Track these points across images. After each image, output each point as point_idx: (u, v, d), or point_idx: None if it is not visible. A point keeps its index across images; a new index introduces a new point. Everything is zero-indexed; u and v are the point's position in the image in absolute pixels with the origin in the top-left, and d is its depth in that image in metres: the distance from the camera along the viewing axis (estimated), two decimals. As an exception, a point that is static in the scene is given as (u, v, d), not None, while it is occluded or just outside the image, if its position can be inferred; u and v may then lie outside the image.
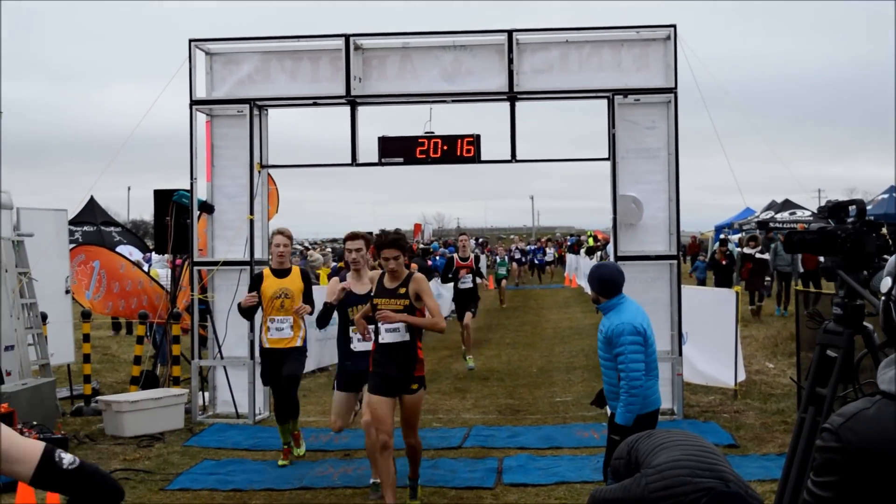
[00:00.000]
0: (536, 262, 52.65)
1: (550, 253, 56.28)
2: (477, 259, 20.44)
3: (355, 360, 9.46)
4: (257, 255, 13.24)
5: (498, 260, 36.56)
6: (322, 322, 9.98)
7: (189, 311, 13.99)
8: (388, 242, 8.49)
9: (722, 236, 30.77)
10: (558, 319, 28.24)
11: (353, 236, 9.82)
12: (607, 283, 7.48)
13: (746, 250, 25.73)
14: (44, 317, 13.55)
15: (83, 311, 15.04)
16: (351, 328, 9.52)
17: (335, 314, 9.77)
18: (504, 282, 35.60)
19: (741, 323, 20.83)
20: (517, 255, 49.08)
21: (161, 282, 16.61)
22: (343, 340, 9.70)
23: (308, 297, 10.75)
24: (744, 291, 25.41)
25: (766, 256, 25.30)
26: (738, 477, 4.33)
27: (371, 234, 11.84)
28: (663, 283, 12.62)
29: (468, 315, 18.68)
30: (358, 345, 9.48)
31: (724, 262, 25.93)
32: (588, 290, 8.33)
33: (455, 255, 19.63)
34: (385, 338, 8.41)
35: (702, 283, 29.24)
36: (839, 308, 4.79)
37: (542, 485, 9.54)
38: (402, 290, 8.43)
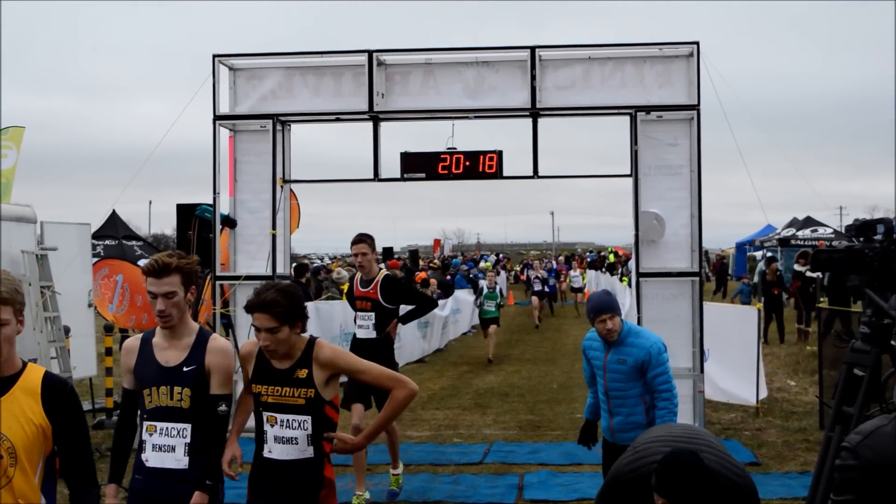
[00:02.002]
0: (548, 288, 36.80)
1: (577, 276, 41.21)
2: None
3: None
4: (279, 270, 13.27)
5: (486, 290, 23.82)
6: None
7: (211, 325, 14.03)
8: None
9: (769, 254, 29.71)
10: (578, 335, 28.07)
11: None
12: (614, 302, 7.38)
13: (797, 267, 24.69)
14: (66, 330, 13.59)
15: (105, 325, 15.10)
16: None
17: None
18: (493, 328, 23.35)
19: (790, 343, 20.72)
20: (536, 285, 33.66)
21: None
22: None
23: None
24: (793, 310, 24.98)
25: (818, 275, 23.77)
26: (720, 452, 4.19)
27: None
28: (685, 300, 12.57)
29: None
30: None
31: (773, 280, 24.09)
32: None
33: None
34: (273, 451, 5.29)
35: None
36: (867, 327, 4.77)
37: (563, 501, 9.54)
38: (302, 373, 5.22)
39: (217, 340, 5.30)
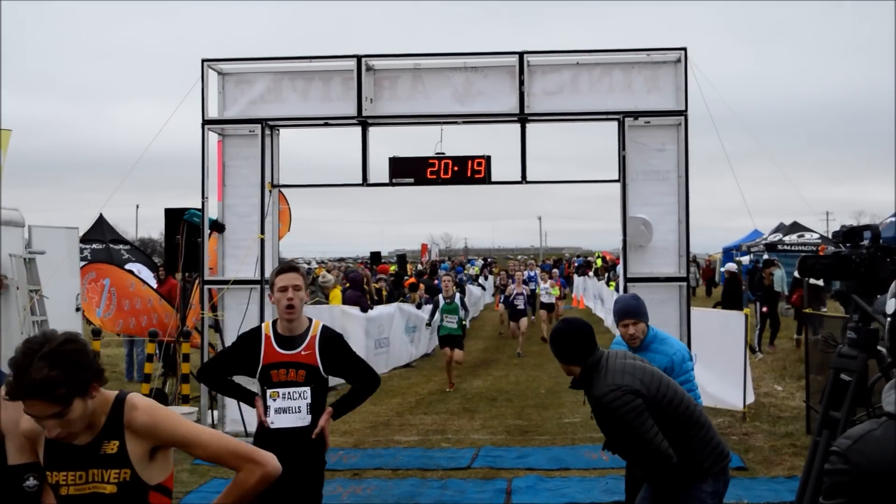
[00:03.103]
0: (511, 304, 25.94)
1: (547, 289, 28.55)
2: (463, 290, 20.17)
3: None
4: (268, 274, 13.26)
5: (444, 302, 18.71)
6: None
7: (199, 330, 14.02)
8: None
9: (767, 257, 29.11)
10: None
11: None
12: (642, 308, 7.21)
13: (797, 274, 24.29)
14: (54, 334, 13.57)
15: (93, 329, 15.09)
16: None
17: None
18: (458, 353, 18.62)
19: (792, 353, 20.65)
20: (518, 302, 25.40)
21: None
22: None
23: None
24: (793, 320, 24.71)
25: (821, 282, 23.37)
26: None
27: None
28: (672, 304, 12.62)
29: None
30: None
31: (769, 285, 23.68)
32: (609, 321, 7.99)
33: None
34: None
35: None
36: (853, 332, 4.81)
37: (551, 506, 9.55)
38: (111, 448, 3.77)
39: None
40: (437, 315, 18.68)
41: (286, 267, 6.53)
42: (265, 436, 6.31)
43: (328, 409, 6.51)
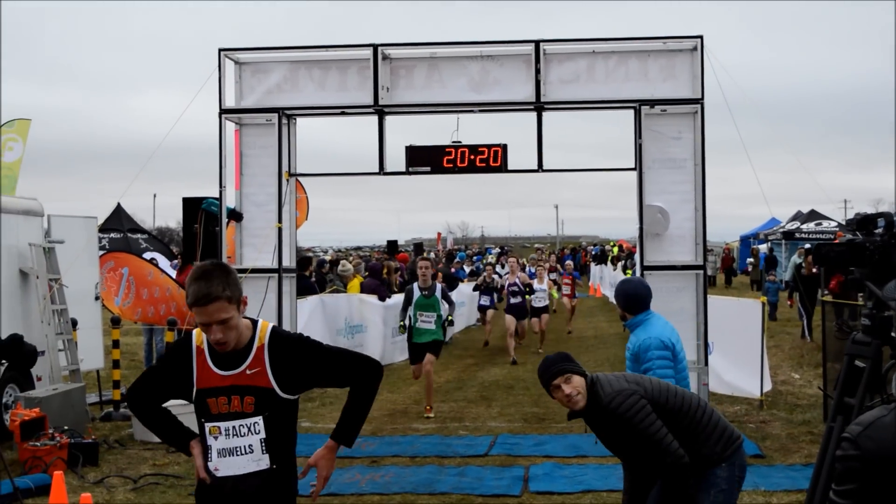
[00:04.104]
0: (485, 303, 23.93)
1: (541, 291, 22.83)
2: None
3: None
4: (285, 263, 13.35)
5: (419, 294, 14.54)
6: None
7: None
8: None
9: (807, 245, 28.26)
10: (583, 328, 28.22)
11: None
12: (633, 299, 7.31)
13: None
14: (74, 323, 13.69)
15: (112, 318, 15.19)
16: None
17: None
18: (429, 361, 14.29)
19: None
20: (513, 296, 21.63)
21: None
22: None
23: None
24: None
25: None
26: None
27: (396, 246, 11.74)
28: (689, 292, 12.63)
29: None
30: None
31: (814, 273, 21.73)
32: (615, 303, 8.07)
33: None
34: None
35: (774, 306, 27.12)
36: (867, 319, 4.83)
37: (568, 493, 9.58)
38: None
39: None
40: (411, 311, 14.50)
41: (201, 295, 4.38)
42: (206, 491, 4.68)
43: (327, 446, 4.72)
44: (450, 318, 15.56)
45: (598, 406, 5.66)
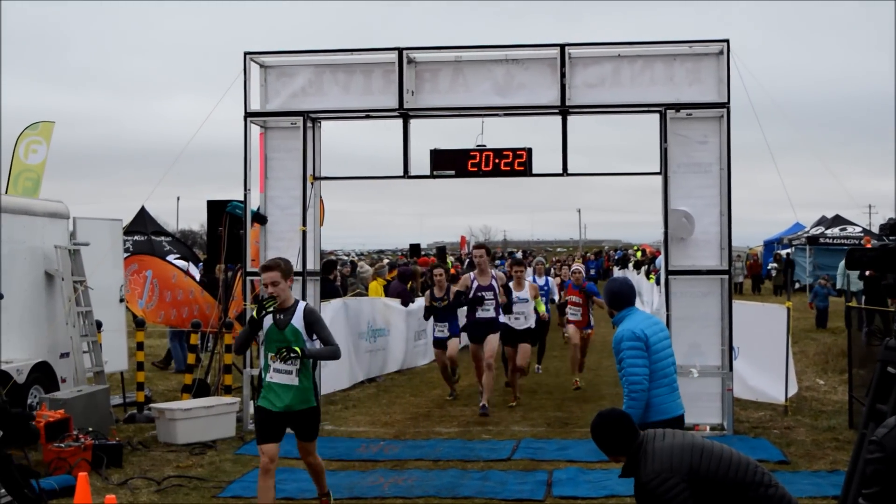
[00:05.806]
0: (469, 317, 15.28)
1: (522, 301, 15.45)
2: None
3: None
4: (309, 266, 13.35)
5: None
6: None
7: (241, 321, 14.12)
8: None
9: (865, 241, 27.15)
10: (605, 333, 28.00)
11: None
12: (617, 296, 7.91)
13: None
14: (98, 325, 13.74)
15: (137, 320, 15.24)
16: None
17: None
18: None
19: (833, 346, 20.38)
20: (483, 310, 14.76)
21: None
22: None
23: None
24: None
25: None
26: None
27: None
28: (714, 297, 12.57)
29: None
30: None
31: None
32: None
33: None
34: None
35: (823, 312, 26.72)
36: (900, 325, 4.79)
37: (592, 498, 9.55)
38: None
39: None
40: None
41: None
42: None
43: None
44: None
45: (637, 476, 5.93)
